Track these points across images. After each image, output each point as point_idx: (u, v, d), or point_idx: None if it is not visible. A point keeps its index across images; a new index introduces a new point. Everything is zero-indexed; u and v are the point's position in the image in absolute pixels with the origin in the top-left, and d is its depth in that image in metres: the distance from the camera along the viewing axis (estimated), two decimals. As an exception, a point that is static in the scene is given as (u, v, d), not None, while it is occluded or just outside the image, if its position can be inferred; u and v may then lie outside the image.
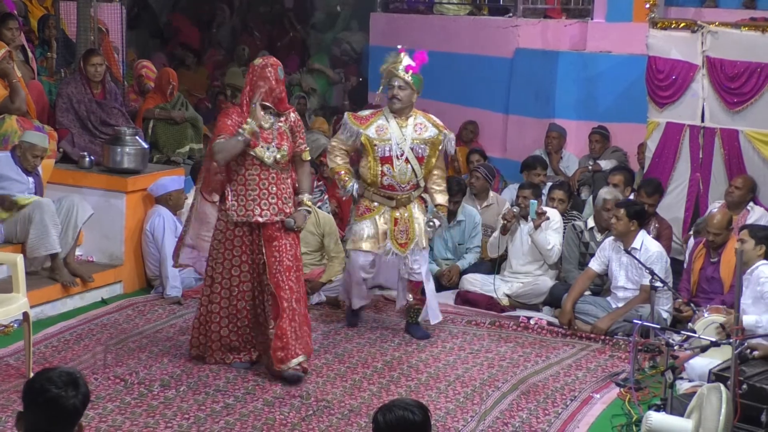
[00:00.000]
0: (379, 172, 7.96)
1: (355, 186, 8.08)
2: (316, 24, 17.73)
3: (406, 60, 7.89)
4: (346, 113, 8.21)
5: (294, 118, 7.24)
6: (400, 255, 8.09)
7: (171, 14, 17.25)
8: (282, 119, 7.17)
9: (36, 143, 8.44)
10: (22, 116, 9.00)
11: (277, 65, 7.12)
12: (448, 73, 13.20)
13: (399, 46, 7.93)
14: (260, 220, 7.08)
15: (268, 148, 7.04)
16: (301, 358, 7.11)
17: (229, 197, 7.12)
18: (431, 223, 8.17)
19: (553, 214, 9.44)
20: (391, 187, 8.01)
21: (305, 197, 7.36)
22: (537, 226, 9.27)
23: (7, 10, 10.43)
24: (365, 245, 8.06)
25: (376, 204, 8.06)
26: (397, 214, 8.05)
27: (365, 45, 15.74)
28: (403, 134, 7.96)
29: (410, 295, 8.29)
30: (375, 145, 7.94)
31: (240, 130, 6.90)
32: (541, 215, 9.27)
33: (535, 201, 9.34)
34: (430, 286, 8.29)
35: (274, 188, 7.11)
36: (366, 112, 8.22)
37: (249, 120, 6.93)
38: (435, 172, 8.17)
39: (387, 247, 8.05)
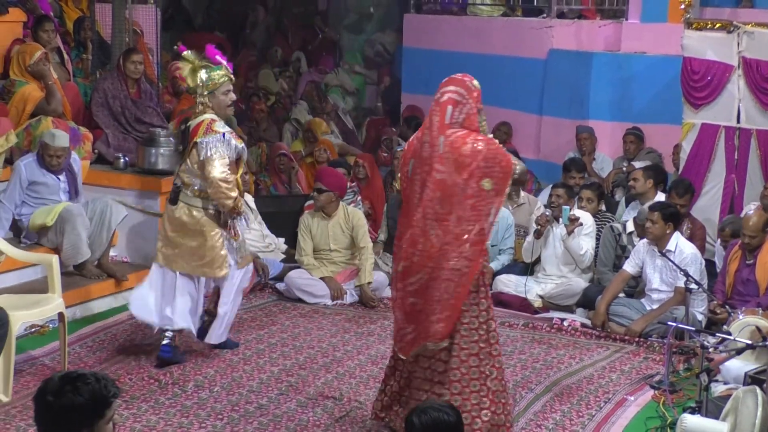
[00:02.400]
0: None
1: None
2: (349, 25, 17.76)
3: (226, 64, 7.26)
4: (217, 128, 7.07)
5: None
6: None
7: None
8: None
9: (48, 143, 8.41)
10: (58, 117, 9.06)
11: None
12: (482, 75, 12.86)
13: (179, 44, 7.28)
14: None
15: None
16: None
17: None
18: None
19: (586, 218, 9.40)
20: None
21: None
22: (570, 233, 9.24)
23: (42, 12, 10.50)
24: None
25: None
26: None
27: (398, 46, 15.74)
28: None
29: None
30: (241, 155, 7.36)
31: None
32: (574, 221, 9.23)
33: (568, 207, 9.31)
34: None
35: None
36: (220, 124, 7.13)
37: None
38: None
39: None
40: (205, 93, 7.10)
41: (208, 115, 7.10)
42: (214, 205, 7.21)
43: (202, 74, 7.08)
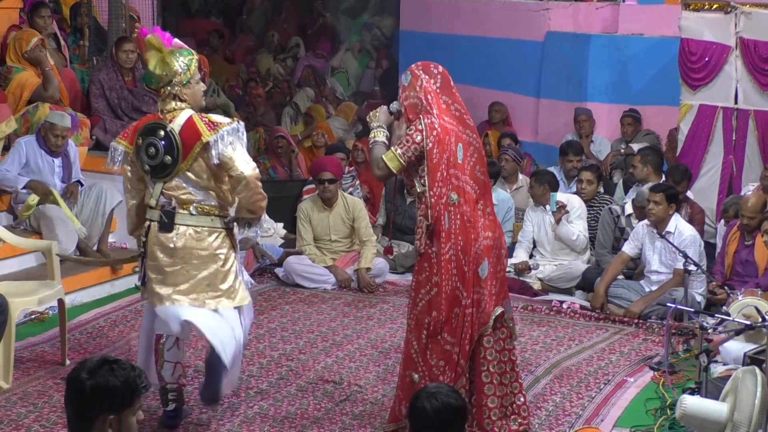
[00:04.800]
0: None
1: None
2: (347, 9, 17.73)
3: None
4: (217, 119, 5.89)
5: None
6: None
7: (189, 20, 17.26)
8: None
9: (56, 123, 8.50)
10: (55, 104, 9.07)
11: None
12: (479, 57, 13.14)
13: (137, 28, 6.03)
14: None
15: None
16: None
17: None
18: None
19: (573, 200, 9.42)
20: None
21: None
22: (558, 221, 9.25)
23: (38, -2, 10.48)
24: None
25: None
26: None
27: (395, 29, 15.71)
28: None
29: None
30: None
31: None
32: (561, 209, 9.23)
33: (555, 194, 9.31)
34: None
35: None
36: (215, 115, 6.02)
37: None
38: None
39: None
40: (183, 83, 5.84)
41: (188, 111, 5.85)
42: (227, 221, 5.97)
43: (178, 61, 5.82)
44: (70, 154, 8.72)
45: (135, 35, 5.72)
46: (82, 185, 8.76)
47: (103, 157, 9.34)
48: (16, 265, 8.34)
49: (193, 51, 6.00)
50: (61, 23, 10.89)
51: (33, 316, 7.86)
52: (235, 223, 6.01)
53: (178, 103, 5.85)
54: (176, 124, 5.78)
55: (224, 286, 5.92)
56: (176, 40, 5.93)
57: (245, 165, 5.76)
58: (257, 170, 5.86)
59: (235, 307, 5.97)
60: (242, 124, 5.91)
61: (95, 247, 8.73)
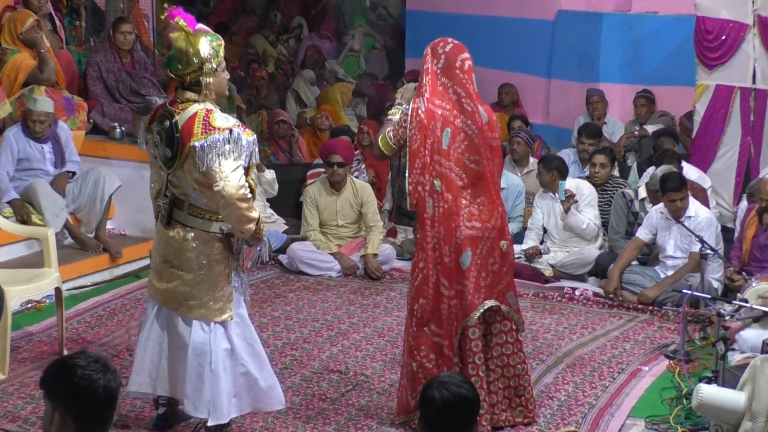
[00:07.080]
0: None
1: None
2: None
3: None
4: (217, 122, 5.27)
5: None
6: None
7: None
8: None
9: (31, 108, 8.38)
10: (52, 87, 9.00)
11: None
12: (489, 37, 13.00)
13: (167, 7, 5.47)
14: None
15: None
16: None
17: None
18: None
19: (583, 187, 9.34)
20: None
21: None
22: (567, 210, 9.12)
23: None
24: None
25: None
26: None
27: (401, 9, 15.60)
28: None
29: None
30: (253, 152, 5.59)
31: None
32: (570, 198, 9.09)
33: (564, 182, 9.16)
34: None
35: None
36: (220, 116, 5.34)
37: None
38: None
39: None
40: (213, 70, 5.31)
41: (200, 105, 5.30)
42: (222, 228, 5.40)
43: (207, 46, 5.30)
44: (60, 138, 8.60)
45: (164, 18, 5.08)
46: (72, 174, 8.62)
47: (101, 141, 9.35)
48: (12, 252, 8.26)
49: (218, 35, 5.46)
50: (57, 3, 10.77)
51: (29, 305, 7.76)
52: (232, 237, 5.44)
53: (192, 95, 5.30)
54: (182, 117, 5.25)
55: (204, 297, 5.41)
56: (200, 25, 5.40)
57: (229, 183, 5.13)
58: (244, 190, 5.19)
59: (217, 322, 5.46)
60: (244, 133, 5.28)
61: (93, 234, 8.66)
